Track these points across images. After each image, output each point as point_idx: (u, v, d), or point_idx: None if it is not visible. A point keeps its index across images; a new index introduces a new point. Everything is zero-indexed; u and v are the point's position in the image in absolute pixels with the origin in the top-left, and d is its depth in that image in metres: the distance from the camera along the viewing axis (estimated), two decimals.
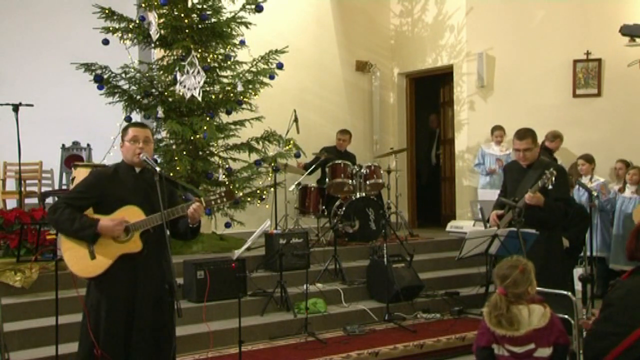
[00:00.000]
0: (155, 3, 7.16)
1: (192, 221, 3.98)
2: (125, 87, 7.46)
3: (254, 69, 7.67)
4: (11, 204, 8.40)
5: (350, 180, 7.98)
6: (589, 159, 7.69)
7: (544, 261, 4.74)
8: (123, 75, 7.39)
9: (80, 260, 3.76)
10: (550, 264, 4.96)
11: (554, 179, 4.81)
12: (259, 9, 7.54)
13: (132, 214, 3.83)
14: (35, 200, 8.76)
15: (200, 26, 7.42)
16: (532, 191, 4.86)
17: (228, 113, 7.71)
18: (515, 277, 3.37)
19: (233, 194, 4.18)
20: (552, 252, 5.12)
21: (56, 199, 8.51)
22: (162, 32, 7.25)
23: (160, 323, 3.86)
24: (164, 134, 7.67)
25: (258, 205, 7.93)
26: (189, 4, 7.47)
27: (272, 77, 7.69)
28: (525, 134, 5.18)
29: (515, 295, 3.37)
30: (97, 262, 3.76)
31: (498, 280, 3.43)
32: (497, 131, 8.72)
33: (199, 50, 7.29)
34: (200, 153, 7.59)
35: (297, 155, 8.13)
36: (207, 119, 7.33)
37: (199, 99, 7.18)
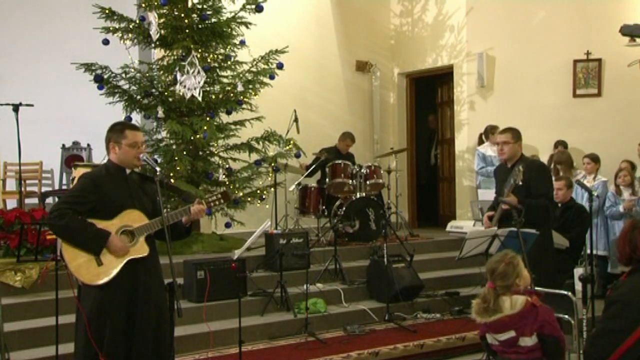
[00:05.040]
0: (156, 3, 7.16)
1: (188, 222, 3.99)
2: (126, 87, 7.46)
3: (254, 69, 7.67)
4: (11, 204, 8.39)
5: (350, 180, 7.98)
6: (594, 159, 7.73)
7: (534, 259, 4.77)
8: (123, 75, 7.38)
9: (88, 268, 3.69)
10: (541, 261, 4.99)
11: (521, 175, 4.97)
12: (259, 9, 7.54)
13: (135, 217, 3.82)
14: (35, 200, 8.77)
15: (200, 26, 7.42)
16: (507, 191, 5.04)
17: (228, 113, 7.71)
18: (502, 270, 3.51)
19: (230, 196, 4.19)
20: (542, 250, 5.15)
21: (56, 199, 8.53)
22: (162, 32, 7.25)
23: (160, 325, 3.86)
24: (164, 134, 7.66)
25: (258, 205, 7.93)
26: (189, 4, 7.47)
27: (272, 77, 7.69)
28: (507, 129, 5.47)
29: (503, 287, 3.50)
30: (105, 268, 3.70)
31: (488, 274, 3.58)
32: (496, 128, 8.68)
33: (199, 50, 7.29)
34: (201, 153, 7.59)
35: (298, 155, 8.12)
36: (207, 119, 7.34)
37: (199, 99, 7.18)
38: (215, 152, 7.77)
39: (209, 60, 7.43)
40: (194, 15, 7.40)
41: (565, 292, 4.77)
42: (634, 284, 3.26)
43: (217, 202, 4.05)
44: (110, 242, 3.70)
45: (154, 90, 7.50)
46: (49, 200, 8.59)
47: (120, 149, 3.85)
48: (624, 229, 3.43)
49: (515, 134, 5.41)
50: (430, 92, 10.95)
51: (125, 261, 3.75)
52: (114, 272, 3.71)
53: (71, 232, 3.68)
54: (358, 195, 7.91)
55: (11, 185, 9.06)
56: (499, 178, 5.59)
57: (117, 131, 3.88)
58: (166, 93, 7.38)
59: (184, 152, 7.31)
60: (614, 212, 7.40)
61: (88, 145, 9.31)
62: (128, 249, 3.76)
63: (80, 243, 3.68)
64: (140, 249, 3.81)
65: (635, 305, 3.15)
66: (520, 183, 5.01)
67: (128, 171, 3.94)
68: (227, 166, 7.71)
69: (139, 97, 7.49)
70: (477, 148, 8.92)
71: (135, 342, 3.78)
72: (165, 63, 7.53)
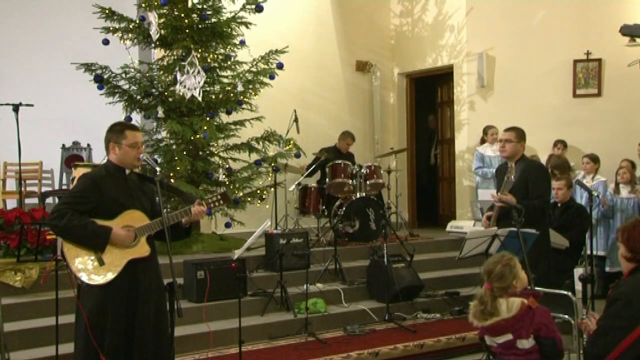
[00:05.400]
0: (156, 3, 7.16)
1: (188, 222, 4.00)
2: (126, 87, 7.46)
3: (254, 69, 7.67)
4: (11, 204, 8.39)
5: (350, 180, 7.98)
6: (594, 159, 7.77)
7: (530, 259, 4.79)
8: (123, 75, 7.38)
9: (90, 268, 3.69)
10: (537, 261, 5.00)
11: (513, 172, 5.08)
12: (259, 9, 7.54)
13: (136, 218, 3.82)
14: (35, 200, 8.77)
15: (200, 26, 7.42)
16: (503, 190, 5.10)
17: (228, 113, 7.71)
18: (499, 271, 3.51)
19: (229, 197, 4.19)
20: (538, 250, 5.16)
21: (56, 199, 8.53)
22: (162, 32, 7.24)
23: (160, 324, 3.87)
24: (164, 134, 7.67)
25: (258, 205, 7.93)
26: (189, 4, 7.47)
27: (272, 77, 7.69)
28: (512, 127, 5.48)
29: (500, 289, 3.50)
30: (107, 268, 3.70)
31: (485, 276, 3.58)
32: (492, 129, 8.70)
33: (199, 50, 7.29)
34: (201, 153, 7.59)
35: (297, 155, 8.12)
36: (207, 119, 7.34)
37: (199, 99, 7.18)
38: (215, 152, 7.77)
39: (209, 60, 7.43)
40: (194, 15, 7.40)
41: (565, 292, 4.77)
42: (635, 282, 3.26)
43: (217, 203, 4.06)
44: (114, 235, 3.70)
45: (154, 90, 7.50)
46: (49, 200, 8.60)
47: (120, 149, 3.84)
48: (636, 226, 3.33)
49: (519, 134, 5.42)
50: (430, 92, 10.95)
51: (126, 261, 3.75)
52: (116, 272, 3.71)
53: (73, 231, 3.66)
54: (358, 195, 7.91)
55: (11, 185, 9.06)
56: (500, 178, 5.59)
57: (117, 131, 3.87)
58: (166, 93, 7.38)
59: (184, 152, 7.31)
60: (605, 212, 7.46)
61: (88, 145, 9.31)
62: (133, 236, 3.75)
63: (83, 241, 3.68)
64: (141, 249, 3.82)
65: (637, 304, 3.15)
66: (513, 179, 5.05)
67: (127, 171, 3.94)
68: (227, 166, 7.71)
69: (139, 97, 7.49)
70: (477, 148, 8.94)
71: (135, 342, 3.78)
72: (165, 63, 7.53)
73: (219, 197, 4.06)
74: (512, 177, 5.08)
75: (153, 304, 3.84)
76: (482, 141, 8.96)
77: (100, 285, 3.70)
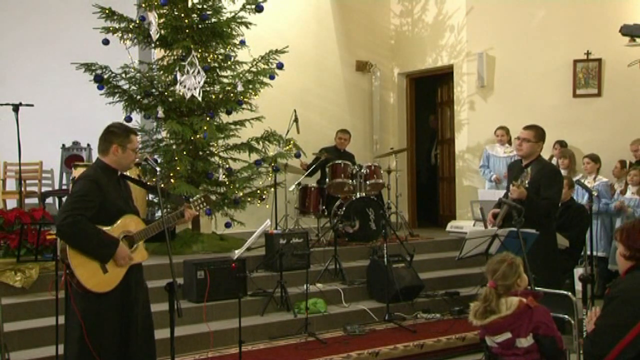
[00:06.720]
0: (156, 3, 7.16)
1: (173, 226, 4.06)
2: (126, 87, 7.46)
3: (254, 69, 7.67)
4: (11, 204, 8.40)
5: (350, 180, 7.98)
6: (594, 158, 7.77)
7: (540, 259, 4.78)
8: (123, 75, 7.38)
9: (94, 275, 3.67)
10: (546, 261, 4.99)
11: (528, 178, 5.01)
12: (259, 9, 7.54)
13: (134, 223, 3.83)
14: (35, 200, 8.77)
15: (200, 26, 7.42)
16: (515, 185, 5.02)
17: (228, 113, 7.71)
18: (503, 270, 3.54)
19: (211, 198, 4.24)
20: (548, 250, 5.14)
21: (56, 199, 8.53)
22: (162, 32, 7.25)
23: (152, 324, 3.89)
24: (164, 134, 7.67)
25: (258, 205, 7.93)
26: (189, 4, 7.47)
27: (272, 77, 7.69)
28: (531, 126, 5.35)
29: (504, 287, 3.52)
30: (111, 275, 3.70)
31: (489, 275, 3.60)
32: (499, 130, 8.70)
33: (199, 50, 7.29)
34: (201, 153, 7.59)
35: (297, 155, 8.12)
36: (207, 119, 7.34)
37: (199, 99, 7.18)
38: (215, 152, 7.77)
39: (209, 60, 7.43)
40: (194, 15, 7.40)
41: (566, 292, 4.77)
42: (633, 280, 3.26)
43: (201, 206, 4.13)
44: (119, 250, 3.70)
45: (154, 90, 7.50)
46: (49, 200, 8.60)
47: (124, 152, 3.84)
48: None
49: (538, 133, 5.31)
50: (430, 92, 10.95)
51: (128, 267, 3.75)
52: (119, 279, 3.73)
53: (83, 239, 3.63)
54: (358, 195, 7.91)
55: (11, 185, 9.06)
56: (510, 175, 5.56)
57: (122, 135, 3.86)
58: (166, 93, 7.38)
59: (184, 152, 7.31)
60: (609, 208, 7.46)
61: (88, 145, 9.31)
62: (131, 258, 3.76)
63: (91, 250, 3.65)
64: (140, 254, 3.84)
65: (635, 301, 3.15)
66: (527, 185, 5.02)
67: (119, 173, 3.95)
68: (227, 166, 7.71)
69: (139, 97, 7.49)
70: (486, 146, 8.98)
71: (130, 344, 3.79)
72: (165, 63, 7.53)
73: (202, 199, 4.14)
74: (526, 183, 5.02)
75: (141, 304, 3.88)
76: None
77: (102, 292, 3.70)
